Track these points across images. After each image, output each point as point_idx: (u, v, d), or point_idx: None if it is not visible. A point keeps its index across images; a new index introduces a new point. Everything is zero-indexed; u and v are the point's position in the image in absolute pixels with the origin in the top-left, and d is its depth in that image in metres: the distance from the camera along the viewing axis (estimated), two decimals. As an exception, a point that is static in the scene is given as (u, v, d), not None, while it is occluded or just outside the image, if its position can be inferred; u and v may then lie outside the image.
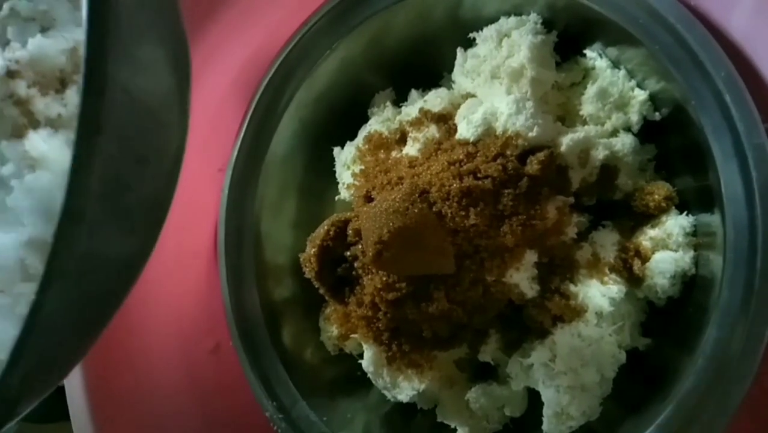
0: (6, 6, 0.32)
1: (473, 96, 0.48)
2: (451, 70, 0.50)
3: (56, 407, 0.52)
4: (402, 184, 0.43)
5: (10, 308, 0.29)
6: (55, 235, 0.23)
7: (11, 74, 0.30)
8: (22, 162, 0.29)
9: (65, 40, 0.31)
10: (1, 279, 0.29)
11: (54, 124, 0.30)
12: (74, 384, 0.51)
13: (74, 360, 0.29)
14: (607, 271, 0.43)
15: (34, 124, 0.30)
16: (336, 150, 0.53)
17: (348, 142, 0.52)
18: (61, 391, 0.51)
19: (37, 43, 0.31)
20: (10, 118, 0.30)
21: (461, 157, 0.42)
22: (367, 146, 0.50)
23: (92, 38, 0.22)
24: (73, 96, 0.31)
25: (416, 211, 0.40)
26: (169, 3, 0.29)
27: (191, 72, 0.29)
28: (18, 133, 0.30)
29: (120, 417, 0.51)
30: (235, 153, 0.53)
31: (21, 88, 0.30)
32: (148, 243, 0.29)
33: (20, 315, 0.28)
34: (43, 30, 0.32)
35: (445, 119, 0.47)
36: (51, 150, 0.29)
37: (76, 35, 0.32)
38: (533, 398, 0.45)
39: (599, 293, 0.42)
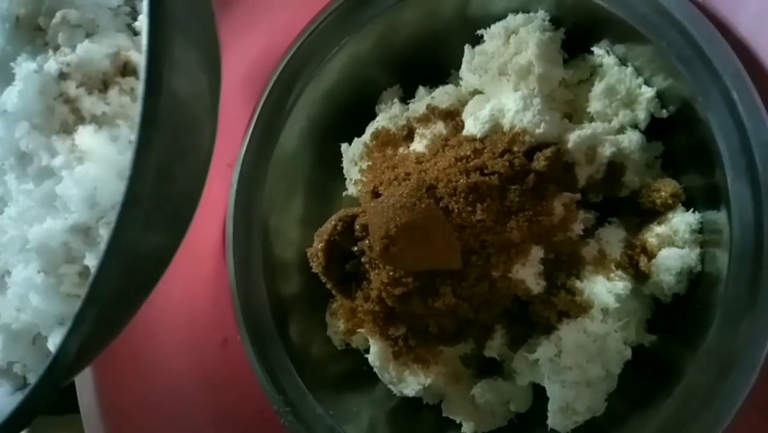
0: (59, 14, 0.35)
1: (480, 93, 0.48)
2: (458, 67, 0.50)
3: (68, 399, 0.52)
4: (409, 179, 0.43)
5: (55, 287, 0.32)
6: (118, 216, 0.25)
7: (63, 76, 0.34)
8: (71, 155, 0.32)
9: (108, 45, 0.35)
10: (46, 261, 0.32)
11: (98, 121, 0.33)
12: (84, 377, 0.51)
13: (112, 337, 0.32)
14: (613, 267, 0.43)
15: (81, 121, 0.33)
16: (344, 146, 0.53)
17: (355, 139, 0.52)
18: (71, 383, 0.52)
19: (85, 47, 0.34)
20: (60, 114, 0.33)
21: (468, 153, 0.43)
22: (374, 142, 0.50)
23: (152, 49, 0.25)
24: (115, 96, 0.34)
25: (423, 206, 0.40)
26: (208, 13, 0.31)
27: (222, 73, 0.31)
28: (66, 129, 0.33)
29: (129, 409, 0.52)
30: (244, 149, 0.53)
31: (71, 88, 0.33)
32: (179, 236, 0.31)
33: (65, 293, 0.32)
34: (88, 35, 0.35)
35: (452, 116, 0.47)
36: (98, 144, 0.32)
37: (118, 41, 0.35)
38: (538, 394, 0.45)
39: (605, 289, 0.42)
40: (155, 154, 0.26)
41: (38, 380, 0.28)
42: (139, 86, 0.25)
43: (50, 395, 0.28)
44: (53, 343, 0.33)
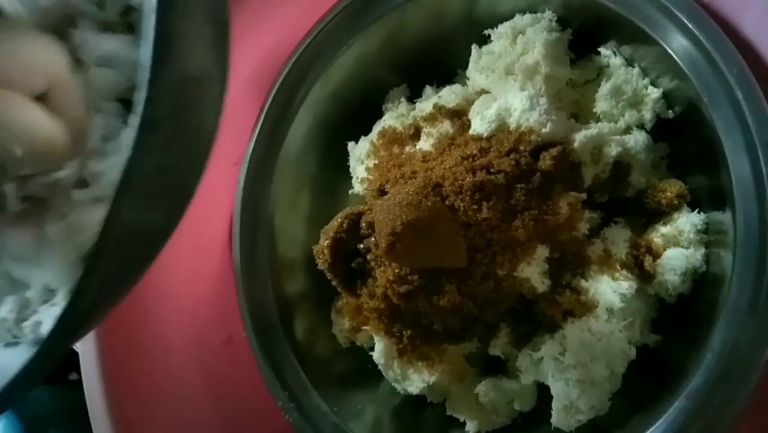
0: None
1: (487, 92, 0.48)
2: (465, 66, 0.50)
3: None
4: (415, 178, 0.44)
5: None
6: (117, 188, 0.24)
7: None
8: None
9: None
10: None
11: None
12: (90, 370, 0.51)
13: (112, 306, 0.30)
14: (618, 267, 0.43)
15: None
16: (350, 145, 0.53)
17: (362, 137, 0.53)
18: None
19: None
20: None
21: (474, 152, 0.43)
22: (381, 141, 0.50)
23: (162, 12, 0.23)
24: None
25: (429, 204, 0.40)
26: None
27: (230, 50, 0.30)
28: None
29: (134, 404, 0.52)
30: (251, 147, 0.53)
31: None
32: (174, 219, 0.30)
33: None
34: None
35: (458, 115, 0.48)
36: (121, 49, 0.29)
37: None
38: (542, 393, 0.45)
39: (610, 288, 0.42)
40: (157, 133, 0.25)
41: (44, 342, 0.26)
42: (142, 53, 0.23)
43: (56, 358, 0.27)
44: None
